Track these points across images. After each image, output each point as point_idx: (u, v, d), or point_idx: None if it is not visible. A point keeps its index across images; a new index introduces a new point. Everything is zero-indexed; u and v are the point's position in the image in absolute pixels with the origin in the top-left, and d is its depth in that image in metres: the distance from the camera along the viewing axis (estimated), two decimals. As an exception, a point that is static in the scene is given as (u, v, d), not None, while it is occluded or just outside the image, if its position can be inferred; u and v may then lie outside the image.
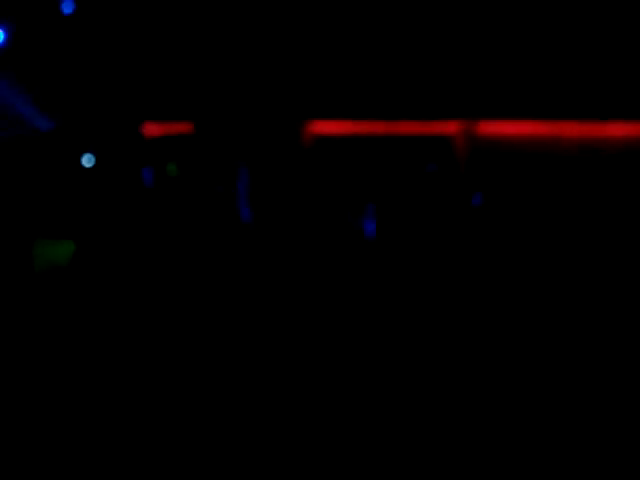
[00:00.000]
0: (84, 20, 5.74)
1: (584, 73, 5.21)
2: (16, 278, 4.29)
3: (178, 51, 5.98)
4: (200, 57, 6.00)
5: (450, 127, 5.77)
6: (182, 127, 6.09)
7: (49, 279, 4.31)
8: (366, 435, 2.91)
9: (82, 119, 5.83)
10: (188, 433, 2.98)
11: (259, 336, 3.82)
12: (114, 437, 2.95)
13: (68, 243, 4.57)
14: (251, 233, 5.17)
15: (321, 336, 3.84)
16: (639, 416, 3.04)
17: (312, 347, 3.73)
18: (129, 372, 3.47)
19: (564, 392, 3.30)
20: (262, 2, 5.82)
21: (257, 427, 2.98)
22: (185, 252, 4.75)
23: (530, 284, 4.63)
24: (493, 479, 2.67)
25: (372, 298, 4.34)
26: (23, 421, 3.07)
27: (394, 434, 2.92)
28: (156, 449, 2.87)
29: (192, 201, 5.30)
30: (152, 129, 6.09)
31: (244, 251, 4.84)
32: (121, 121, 5.87)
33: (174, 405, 3.16)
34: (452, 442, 2.85)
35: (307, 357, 3.62)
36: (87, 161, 5.64)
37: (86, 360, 3.56)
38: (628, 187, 5.18)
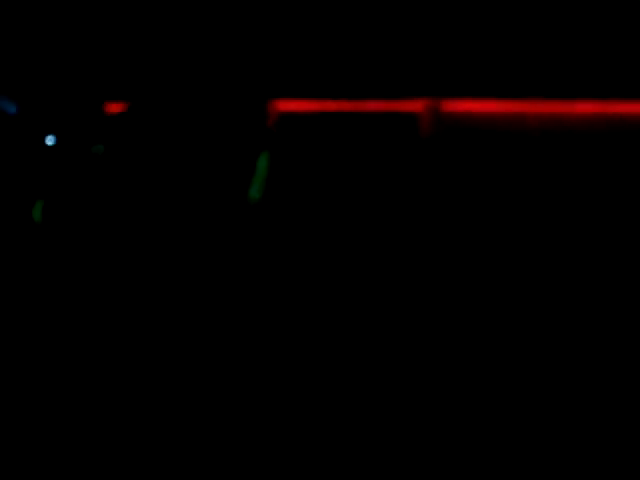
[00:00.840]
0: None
1: (549, 53, 5.18)
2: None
3: (142, 32, 5.92)
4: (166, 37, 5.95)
5: (416, 105, 5.74)
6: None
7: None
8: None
9: (44, 102, 5.80)
10: (187, 431, 3.00)
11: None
12: (113, 437, 2.98)
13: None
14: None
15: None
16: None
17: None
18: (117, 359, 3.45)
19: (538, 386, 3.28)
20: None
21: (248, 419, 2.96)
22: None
23: (489, 263, 4.64)
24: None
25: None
26: (22, 421, 3.10)
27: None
28: (155, 449, 2.89)
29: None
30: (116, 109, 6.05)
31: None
32: (83, 102, 5.83)
33: (174, 396, 3.14)
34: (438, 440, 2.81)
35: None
36: (49, 141, 5.63)
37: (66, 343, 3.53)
38: (593, 164, 5.17)
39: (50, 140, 5.55)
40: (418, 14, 5.51)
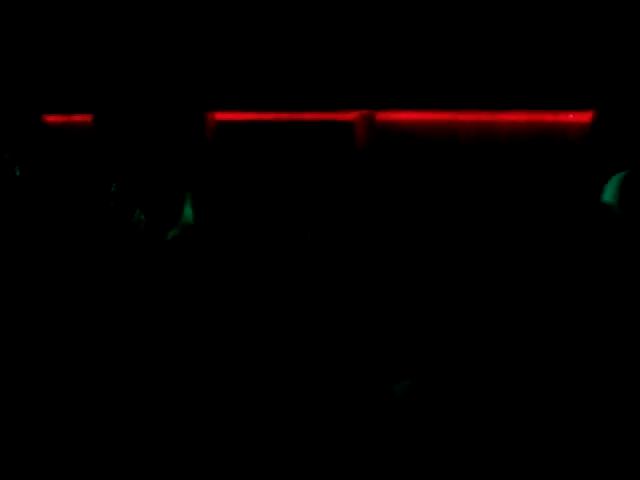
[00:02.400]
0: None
1: (479, 65, 5.33)
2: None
3: (77, 42, 5.92)
4: (101, 48, 5.96)
5: (351, 115, 5.87)
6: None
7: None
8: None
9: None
10: (187, 429, 3.03)
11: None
12: (113, 436, 2.99)
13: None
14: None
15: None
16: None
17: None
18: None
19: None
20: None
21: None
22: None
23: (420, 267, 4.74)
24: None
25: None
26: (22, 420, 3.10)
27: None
28: (155, 448, 2.92)
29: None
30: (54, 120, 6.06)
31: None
32: (22, 114, 5.81)
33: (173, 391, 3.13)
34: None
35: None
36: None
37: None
38: (522, 171, 5.35)
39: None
40: (352, 28, 5.62)
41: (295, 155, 5.90)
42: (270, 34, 5.74)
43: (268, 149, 5.94)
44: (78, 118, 5.98)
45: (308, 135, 5.88)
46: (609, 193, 4.38)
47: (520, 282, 4.41)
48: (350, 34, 5.58)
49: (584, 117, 5.07)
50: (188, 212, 4.59)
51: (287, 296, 4.15)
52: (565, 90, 5.01)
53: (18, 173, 5.12)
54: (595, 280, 4.00)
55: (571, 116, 5.09)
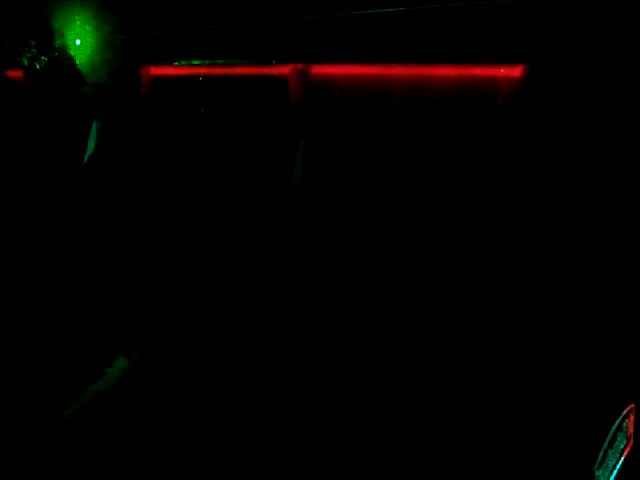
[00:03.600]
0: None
1: (409, 21, 5.32)
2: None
3: None
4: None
5: (285, 69, 5.84)
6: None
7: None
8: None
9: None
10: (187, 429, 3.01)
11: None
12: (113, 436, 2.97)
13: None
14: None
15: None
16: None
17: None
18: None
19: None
20: None
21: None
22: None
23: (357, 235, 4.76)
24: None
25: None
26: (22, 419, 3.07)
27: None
28: (155, 448, 2.90)
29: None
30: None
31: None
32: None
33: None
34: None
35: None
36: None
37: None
38: (452, 124, 5.36)
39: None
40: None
41: (229, 111, 5.87)
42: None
43: (202, 104, 5.91)
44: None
45: (242, 90, 5.84)
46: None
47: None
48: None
49: (515, 71, 5.10)
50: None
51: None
52: (496, 44, 5.02)
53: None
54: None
55: (502, 70, 5.11)
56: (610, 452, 2.88)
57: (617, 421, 2.95)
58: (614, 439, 2.92)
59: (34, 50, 5.69)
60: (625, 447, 3.18)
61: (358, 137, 5.65)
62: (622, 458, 3.14)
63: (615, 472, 3.03)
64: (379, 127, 5.64)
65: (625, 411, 3.09)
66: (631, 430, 3.24)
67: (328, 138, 5.58)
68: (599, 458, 2.71)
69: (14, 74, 6.15)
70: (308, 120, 5.66)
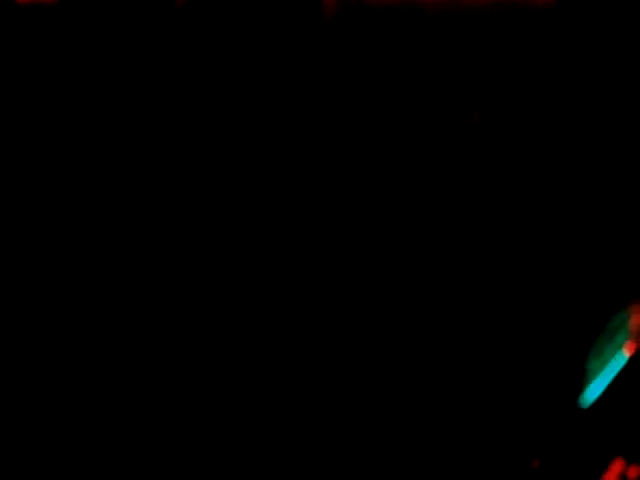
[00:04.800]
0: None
1: None
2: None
3: None
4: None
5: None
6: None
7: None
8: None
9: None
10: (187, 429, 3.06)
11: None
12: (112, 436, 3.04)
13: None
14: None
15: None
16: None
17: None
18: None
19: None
20: None
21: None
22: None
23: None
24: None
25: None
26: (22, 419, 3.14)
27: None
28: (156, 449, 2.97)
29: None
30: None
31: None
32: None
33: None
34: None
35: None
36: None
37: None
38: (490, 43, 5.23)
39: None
40: None
41: (261, 28, 5.78)
42: None
43: (232, 21, 5.82)
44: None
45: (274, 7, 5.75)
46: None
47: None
48: None
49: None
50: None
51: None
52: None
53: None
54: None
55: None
56: (609, 346, 2.72)
57: (618, 315, 2.78)
58: (613, 333, 2.76)
59: None
60: (628, 345, 3.01)
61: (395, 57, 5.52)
62: (625, 356, 2.98)
63: (616, 369, 2.88)
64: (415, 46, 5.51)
65: (629, 307, 2.92)
66: (635, 329, 3.07)
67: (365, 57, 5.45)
68: (593, 349, 2.55)
69: None
70: (344, 40, 5.53)
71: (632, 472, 2.52)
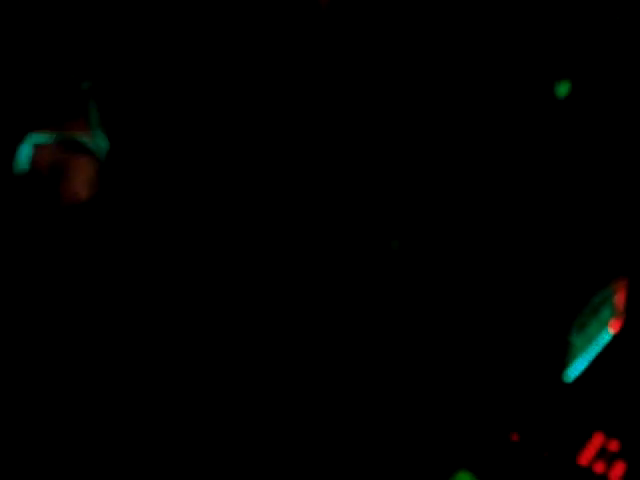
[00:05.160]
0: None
1: None
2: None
3: None
4: None
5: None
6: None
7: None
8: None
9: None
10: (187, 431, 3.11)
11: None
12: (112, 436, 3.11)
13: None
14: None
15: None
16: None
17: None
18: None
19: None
20: None
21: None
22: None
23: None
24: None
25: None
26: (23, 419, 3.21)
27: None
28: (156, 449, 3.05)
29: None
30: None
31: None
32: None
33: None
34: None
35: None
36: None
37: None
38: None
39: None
40: None
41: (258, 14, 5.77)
42: None
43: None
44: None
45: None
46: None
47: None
48: None
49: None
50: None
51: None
52: None
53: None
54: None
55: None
56: (593, 322, 2.71)
57: (602, 291, 2.77)
58: (597, 309, 2.75)
59: None
60: (613, 323, 3.00)
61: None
62: (609, 333, 2.97)
63: (600, 345, 2.86)
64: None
65: (613, 283, 2.90)
66: (621, 307, 3.06)
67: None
68: (576, 324, 2.54)
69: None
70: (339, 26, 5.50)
71: (612, 446, 2.51)
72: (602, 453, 2.56)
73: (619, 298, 3.02)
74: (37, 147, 3.52)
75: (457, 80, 4.37)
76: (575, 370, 2.80)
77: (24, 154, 3.53)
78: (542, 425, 2.67)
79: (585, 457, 2.56)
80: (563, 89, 4.40)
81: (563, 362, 2.74)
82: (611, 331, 3.01)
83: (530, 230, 3.41)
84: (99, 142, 3.68)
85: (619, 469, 2.55)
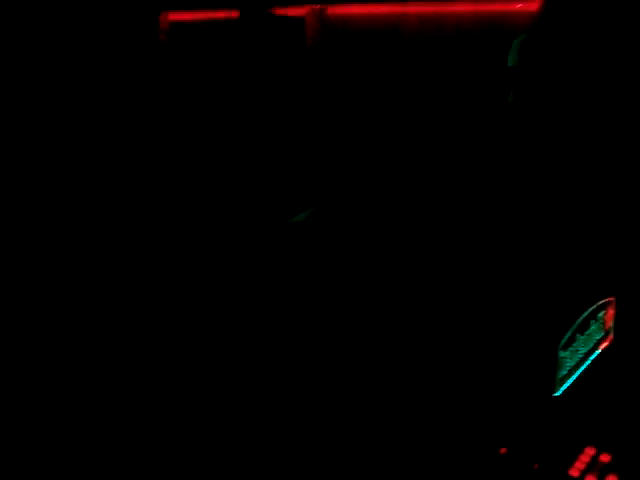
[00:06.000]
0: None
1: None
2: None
3: None
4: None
5: (302, 10, 5.81)
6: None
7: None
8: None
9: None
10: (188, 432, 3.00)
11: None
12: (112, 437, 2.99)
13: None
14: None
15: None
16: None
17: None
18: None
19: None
20: None
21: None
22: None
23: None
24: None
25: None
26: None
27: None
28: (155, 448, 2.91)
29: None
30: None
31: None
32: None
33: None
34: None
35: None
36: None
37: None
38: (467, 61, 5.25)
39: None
40: None
41: (247, 53, 5.84)
42: None
43: (221, 47, 5.89)
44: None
45: (260, 32, 5.80)
46: (511, 58, 4.26)
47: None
48: None
49: (532, 6, 4.98)
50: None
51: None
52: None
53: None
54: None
55: (519, 5, 4.99)
56: (581, 337, 2.69)
57: (591, 309, 2.76)
58: (586, 326, 2.73)
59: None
60: (602, 340, 2.98)
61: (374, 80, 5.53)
62: (597, 350, 2.94)
63: (588, 361, 2.84)
64: (393, 68, 5.51)
65: (602, 301, 2.89)
66: (609, 324, 3.04)
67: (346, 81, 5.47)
68: (564, 340, 2.52)
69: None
70: (326, 63, 5.58)
71: (603, 458, 2.46)
72: (593, 465, 2.51)
73: (607, 315, 3.01)
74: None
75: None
76: (563, 383, 2.77)
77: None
78: (531, 438, 2.63)
79: (576, 469, 2.51)
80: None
81: (552, 377, 2.71)
82: (600, 347, 2.99)
83: (521, 247, 3.42)
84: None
85: (611, 481, 2.51)
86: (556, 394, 2.72)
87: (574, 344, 2.83)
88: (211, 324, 3.51)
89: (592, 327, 2.95)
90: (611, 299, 3.02)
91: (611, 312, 3.03)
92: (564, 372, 2.79)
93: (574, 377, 2.83)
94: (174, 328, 3.52)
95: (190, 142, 5.39)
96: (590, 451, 2.55)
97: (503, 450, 2.55)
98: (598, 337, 3.00)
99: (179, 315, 3.61)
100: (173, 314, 3.62)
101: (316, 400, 2.99)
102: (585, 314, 2.88)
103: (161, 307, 3.67)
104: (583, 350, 2.92)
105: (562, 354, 2.76)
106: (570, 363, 2.83)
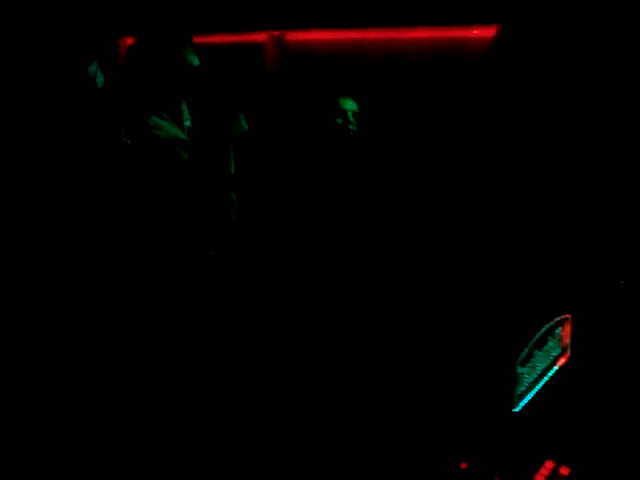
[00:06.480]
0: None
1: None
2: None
3: None
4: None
5: (261, 37, 5.83)
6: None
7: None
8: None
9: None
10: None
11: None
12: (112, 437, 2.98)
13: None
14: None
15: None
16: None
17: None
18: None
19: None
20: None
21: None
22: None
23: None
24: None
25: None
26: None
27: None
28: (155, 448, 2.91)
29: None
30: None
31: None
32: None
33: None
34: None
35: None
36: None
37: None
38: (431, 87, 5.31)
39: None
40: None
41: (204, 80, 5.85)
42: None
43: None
44: None
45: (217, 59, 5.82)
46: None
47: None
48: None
49: (488, 32, 5.05)
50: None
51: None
52: (470, 4, 4.97)
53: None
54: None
55: (475, 32, 5.06)
56: (538, 353, 2.72)
57: (548, 325, 2.80)
58: (543, 342, 2.77)
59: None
60: (559, 356, 3.02)
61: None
62: (555, 366, 2.98)
63: (546, 377, 2.88)
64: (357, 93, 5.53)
65: (558, 318, 2.93)
66: (566, 341, 3.09)
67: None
68: (522, 356, 2.55)
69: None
70: (285, 89, 5.63)
71: (563, 471, 2.49)
72: (553, 478, 2.54)
73: (564, 332, 3.05)
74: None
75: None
76: (522, 399, 2.80)
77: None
78: (492, 453, 2.65)
79: (536, 483, 2.54)
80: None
81: (511, 392, 2.74)
82: (558, 364, 3.03)
83: (479, 265, 3.47)
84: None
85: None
86: (515, 409, 2.74)
87: (532, 360, 2.87)
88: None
89: (550, 343, 2.99)
90: (568, 316, 3.06)
91: (568, 329, 3.07)
92: (523, 388, 2.82)
93: (533, 393, 2.86)
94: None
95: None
96: (550, 464, 2.58)
97: (464, 465, 2.57)
98: (555, 353, 3.04)
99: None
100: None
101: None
102: (543, 330, 2.92)
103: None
104: (541, 366, 2.96)
105: (520, 370, 2.79)
106: (529, 379, 2.86)
